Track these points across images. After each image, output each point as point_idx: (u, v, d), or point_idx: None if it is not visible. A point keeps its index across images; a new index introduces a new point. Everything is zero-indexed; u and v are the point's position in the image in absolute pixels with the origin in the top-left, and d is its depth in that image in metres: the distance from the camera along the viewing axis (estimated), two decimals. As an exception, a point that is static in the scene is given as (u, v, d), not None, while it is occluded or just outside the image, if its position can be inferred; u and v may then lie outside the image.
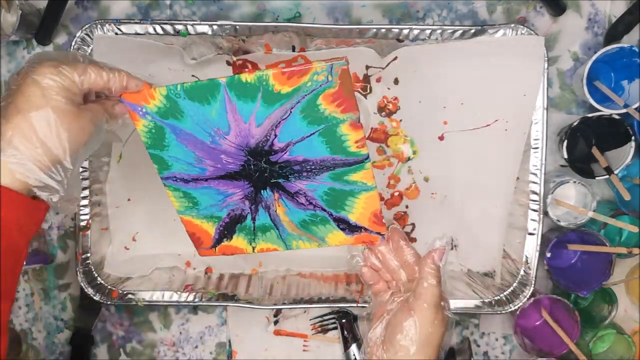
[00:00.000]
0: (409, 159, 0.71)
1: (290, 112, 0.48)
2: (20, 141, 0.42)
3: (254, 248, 0.58)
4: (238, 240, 0.58)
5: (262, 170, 0.52)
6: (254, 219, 0.56)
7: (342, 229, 0.54)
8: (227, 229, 0.57)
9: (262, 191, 0.53)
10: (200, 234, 0.58)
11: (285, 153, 0.50)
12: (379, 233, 0.53)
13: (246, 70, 0.69)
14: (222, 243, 0.58)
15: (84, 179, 0.67)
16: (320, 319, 0.75)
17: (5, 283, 0.43)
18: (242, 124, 0.49)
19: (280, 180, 0.52)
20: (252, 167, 0.52)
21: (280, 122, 0.48)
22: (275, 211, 0.55)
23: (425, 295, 0.48)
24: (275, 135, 0.49)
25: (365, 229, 0.53)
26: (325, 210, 0.53)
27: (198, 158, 0.52)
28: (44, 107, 0.43)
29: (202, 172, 0.53)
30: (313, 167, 0.51)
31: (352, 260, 0.55)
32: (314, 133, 0.49)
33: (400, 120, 0.70)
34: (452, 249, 0.72)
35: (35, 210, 0.45)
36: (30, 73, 0.43)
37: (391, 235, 0.53)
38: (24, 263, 0.46)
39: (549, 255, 0.69)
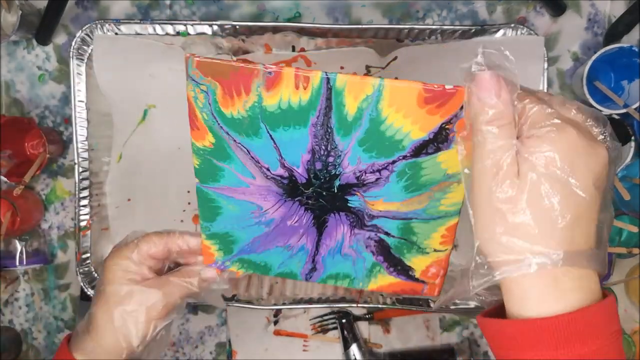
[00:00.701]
0: (409, 159, 0.71)
1: (239, 144, 0.41)
2: (98, 332, 0.45)
3: (435, 250, 0.46)
4: (416, 261, 0.47)
5: (318, 194, 0.44)
6: (387, 234, 0.46)
7: (437, 150, 0.38)
8: (395, 264, 0.48)
9: (349, 204, 0.44)
10: (403, 286, 0.49)
11: (300, 167, 0.42)
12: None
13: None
14: (416, 275, 0.48)
15: (83, 179, 0.67)
16: (320, 319, 0.75)
17: None
18: (247, 188, 0.45)
19: (335, 184, 0.43)
20: (309, 201, 0.45)
21: (253, 157, 0.42)
22: (381, 211, 0.43)
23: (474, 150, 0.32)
24: (267, 168, 0.43)
25: (448, 122, 0.37)
26: (394, 162, 0.39)
27: (286, 246, 0.48)
28: (105, 299, 0.45)
29: (306, 252, 0.48)
30: (323, 147, 0.40)
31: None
32: (269, 135, 0.40)
33: (400, 120, 0.70)
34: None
35: None
36: (103, 282, 0.46)
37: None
38: None
39: (549, 255, 0.69)
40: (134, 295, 0.44)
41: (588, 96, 0.67)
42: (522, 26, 0.65)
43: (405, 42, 0.66)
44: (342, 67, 0.69)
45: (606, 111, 0.67)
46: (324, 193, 0.43)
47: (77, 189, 0.66)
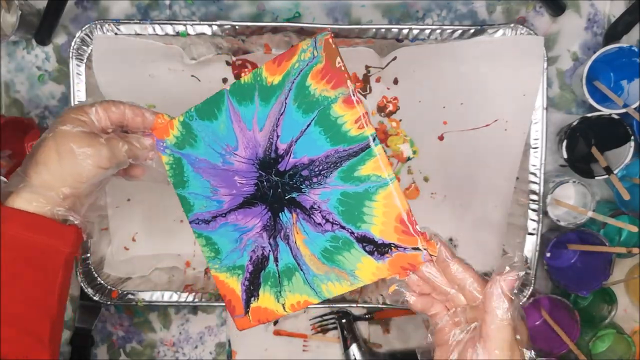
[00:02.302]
0: (408, 159, 0.71)
1: (285, 103, 0.44)
2: (37, 171, 0.46)
3: (284, 306, 0.49)
4: (265, 297, 0.50)
5: (275, 186, 0.47)
6: (276, 260, 0.49)
7: (370, 253, 0.44)
8: (252, 282, 0.50)
9: (280, 214, 0.48)
10: (230, 296, 0.52)
11: (289, 156, 0.46)
12: (416, 248, 0.42)
13: (245, 70, 0.69)
14: (251, 305, 0.51)
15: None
16: (320, 319, 0.75)
17: (44, 297, 0.45)
18: (247, 132, 0.47)
19: (294, 195, 0.46)
20: (265, 184, 0.48)
21: (279, 119, 0.45)
22: (295, 242, 0.48)
23: (495, 339, 0.40)
24: (278, 136, 0.46)
25: (396, 246, 0.43)
26: (344, 228, 0.45)
27: (214, 188, 0.50)
28: (53, 138, 0.46)
29: (219, 206, 0.50)
30: (320, 167, 0.44)
31: (394, 294, 0.45)
32: (310, 124, 0.43)
33: (400, 120, 0.70)
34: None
35: (63, 232, 0.47)
36: (56, 124, 0.47)
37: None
38: (67, 285, 0.48)
39: (548, 255, 0.69)
40: (85, 139, 0.46)
41: (587, 96, 0.67)
42: (521, 26, 0.65)
43: (405, 42, 0.66)
44: (341, 67, 0.69)
45: (606, 111, 0.67)
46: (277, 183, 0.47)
47: (76, 189, 0.66)
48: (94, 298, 0.68)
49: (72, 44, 0.65)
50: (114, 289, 0.68)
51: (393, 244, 0.43)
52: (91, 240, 0.68)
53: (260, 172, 0.47)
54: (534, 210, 0.67)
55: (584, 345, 0.69)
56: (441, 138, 0.70)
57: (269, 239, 0.49)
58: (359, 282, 0.45)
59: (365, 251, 0.44)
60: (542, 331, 0.72)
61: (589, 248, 0.68)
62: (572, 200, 0.72)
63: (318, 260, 0.46)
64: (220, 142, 0.48)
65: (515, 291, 0.40)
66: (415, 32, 0.65)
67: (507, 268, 0.41)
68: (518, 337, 0.40)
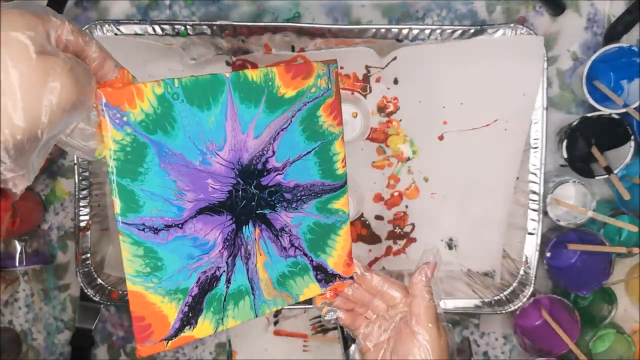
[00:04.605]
0: (408, 158, 0.71)
1: (291, 121, 0.43)
2: None
3: (215, 331, 0.46)
4: (203, 326, 0.44)
5: (250, 198, 0.44)
6: (228, 281, 0.44)
7: (319, 280, 0.50)
8: (193, 309, 0.43)
9: (244, 228, 0.44)
10: (153, 320, 0.41)
11: (278, 174, 0.44)
12: (350, 277, 0.51)
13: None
14: (182, 334, 0.43)
15: (83, 179, 0.67)
16: (320, 319, 0.75)
17: None
18: (239, 134, 0.41)
19: (266, 212, 0.45)
20: (239, 193, 0.43)
21: (279, 132, 0.43)
22: (255, 265, 0.46)
23: (426, 315, 0.47)
24: (273, 152, 0.44)
25: (340, 277, 0.50)
26: (306, 256, 0.48)
27: (179, 191, 0.41)
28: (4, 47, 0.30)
29: (178, 215, 0.41)
30: (303, 194, 0.47)
31: (326, 315, 0.52)
32: (310, 151, 0.45)
33: (400, 120, 0.70)
34: (451, 248, 0.72)
35: None
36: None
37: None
38: None
39: (548, 255, 0.69)
40: (52, 66, 0.32)
41: (587, 96, 0.67)
42: (521, 26, 0.65)
43: (404, 42, 0.66)
44: (341, 67, 0.69)
45: (606, 111, 0.67)
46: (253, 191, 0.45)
47: (76, 189, 0.66)
48: (94, 298, 0.67)
49: (72, 44, 0.65)
50: (114, 289, 0.68)
51: (339, 275, 0.50)
52: (92, 241, 0.68)
53: (238, 179, 0.43)
54: (534, 210, 0.67)
55: (584, 345, 0.69)
56: (441, 138, 0.70)
57: (228, 258, 0.44)
58: (296, 301, 0.50)
59: (316, 279, 0.49)
60: (542, 331, 0.72)
61: (589, 248, 0.68)
62: (572, 200, 0.72)
63: (271, 285, 0.47)
64: (204, 137, 0.40)
65: (434, 276, 0.49)
66: (415, 32, 0.65)
67: (430, 257, 0.49)
68: (439, 312, 0.48)
